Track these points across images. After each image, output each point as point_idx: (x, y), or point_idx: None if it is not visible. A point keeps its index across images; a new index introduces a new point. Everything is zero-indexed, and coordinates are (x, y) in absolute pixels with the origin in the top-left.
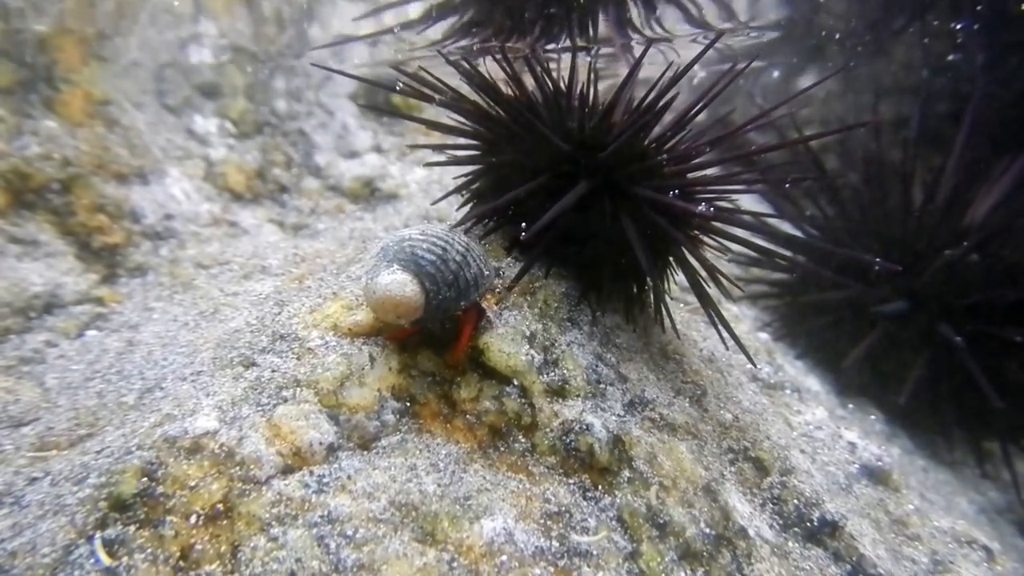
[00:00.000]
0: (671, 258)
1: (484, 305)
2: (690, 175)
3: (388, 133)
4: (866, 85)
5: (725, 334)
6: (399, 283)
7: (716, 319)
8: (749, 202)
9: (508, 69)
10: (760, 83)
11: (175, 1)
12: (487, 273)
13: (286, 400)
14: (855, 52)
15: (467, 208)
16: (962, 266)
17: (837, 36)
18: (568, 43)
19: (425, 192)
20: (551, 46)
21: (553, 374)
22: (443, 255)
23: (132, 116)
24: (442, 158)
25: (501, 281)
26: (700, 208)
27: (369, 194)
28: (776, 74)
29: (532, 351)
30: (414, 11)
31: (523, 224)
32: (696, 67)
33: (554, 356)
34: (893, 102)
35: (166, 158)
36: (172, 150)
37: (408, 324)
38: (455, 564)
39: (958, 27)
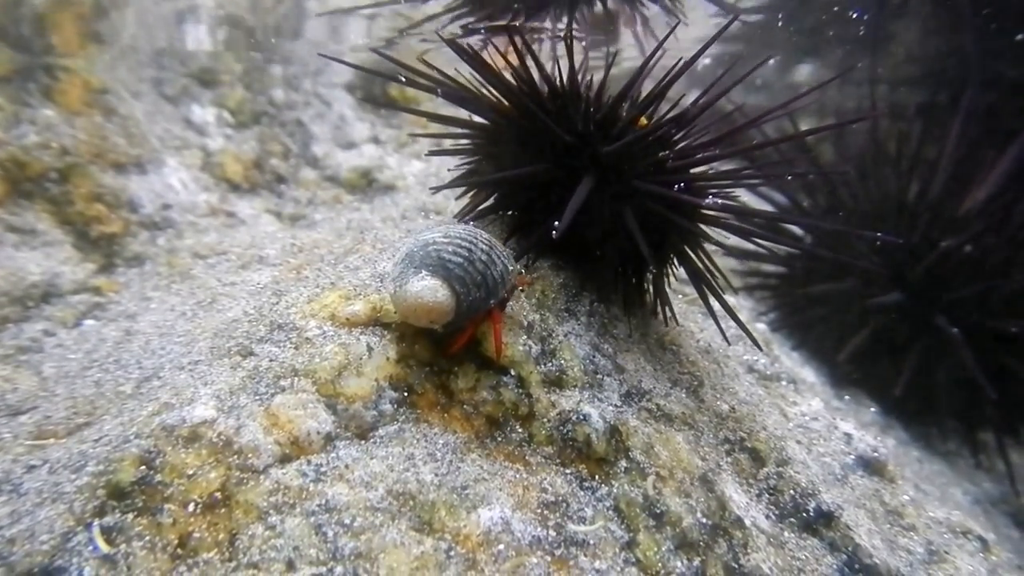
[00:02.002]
0: (671, 251)
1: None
2: (692, 170)
3: (386, 125)
4: (863, 76)
5: (728, 323)
6: (430, 289)
7: (722, 307)
8: (745, 196)
9: (515, 53)
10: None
11: None
12: (511, 268)
13: (284, 389)
14: (853, 42)
15: (466, 199)
16: (957, 257)
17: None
18: (566, 26)
19: (423, 184)
20: (550, 25)
21: (550, 364)
22: (469, 256)
23: (130, 105)
24: (443, 147)
25: (522, 276)
26: (707, 200)
27: (367, 185)
28: (771, 62)
29: (529, 341)
30: None
31: (555, 223)
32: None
33: (551, 346)
34: (890, 93)
35: (164, 147)
36: (170, 139)
37: (440, 328)
38: (452, 553)
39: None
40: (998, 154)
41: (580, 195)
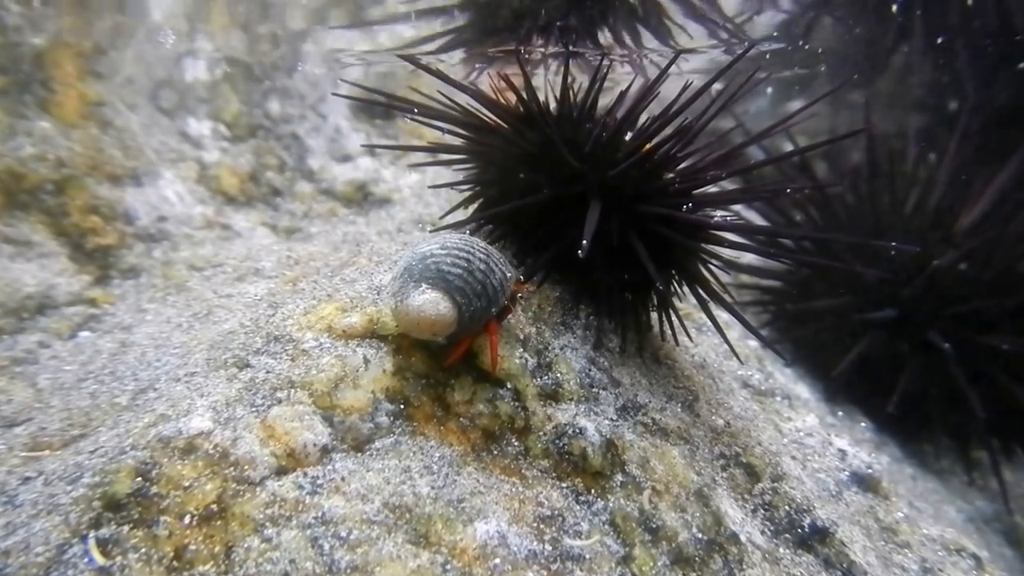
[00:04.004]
0: (675, 270)
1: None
2: (695, 191)
3: (381, 136)
4: (858, 96)
5: (732, 335)
6: (431, 302)
7: (739, 320)
8: (740, 212)
9: (525, 78)
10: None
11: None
12: (510, 275)
13: (280, 401)
14: (850, 69)
15: (461, 213)
16: (951, 274)
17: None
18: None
19: (418, 197)
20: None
21: (546, 378)
22: (468, 266)
23: (126, 118)
24: (441, 165)
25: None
26: (715, 219)
27: (362, 198)
28: (769, 91)
29: (526, 355)
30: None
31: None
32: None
33: (547, 360)
34: (886, 113)
35: (160, 160)
36: (166, 152)
37: (443, 340)
38: (448, 567)
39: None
40: (994, 172)
41: (592, 220)
